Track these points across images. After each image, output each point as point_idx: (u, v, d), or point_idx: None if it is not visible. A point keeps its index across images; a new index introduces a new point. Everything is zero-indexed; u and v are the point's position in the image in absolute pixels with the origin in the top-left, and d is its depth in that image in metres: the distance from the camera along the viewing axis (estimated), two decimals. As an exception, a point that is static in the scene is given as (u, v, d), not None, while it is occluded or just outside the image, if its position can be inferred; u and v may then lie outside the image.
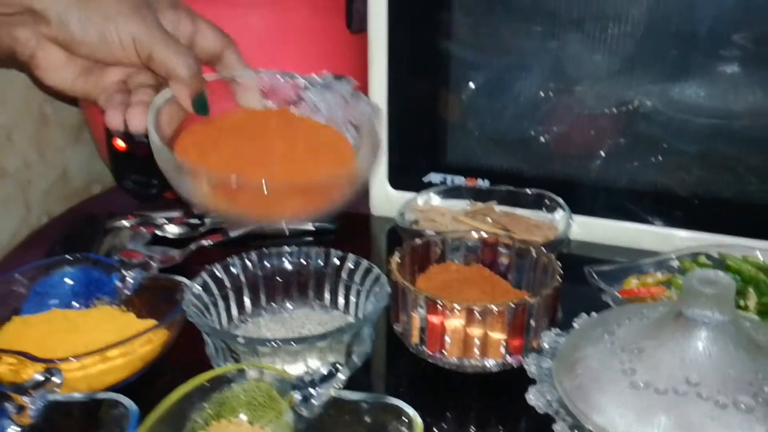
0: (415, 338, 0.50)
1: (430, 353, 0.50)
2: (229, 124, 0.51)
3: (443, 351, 0.49)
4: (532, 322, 0.49)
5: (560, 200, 0.64)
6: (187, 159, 0.46)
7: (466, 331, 0.48)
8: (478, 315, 0.48)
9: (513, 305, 0.48)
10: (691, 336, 0.42)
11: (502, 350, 0.49)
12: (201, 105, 0.51)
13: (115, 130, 0.51)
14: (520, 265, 0.55)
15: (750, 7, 0.60)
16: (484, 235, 0.56)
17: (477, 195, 0.68)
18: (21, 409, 0.42)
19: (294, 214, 0.52)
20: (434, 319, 0.49)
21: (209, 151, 0.48)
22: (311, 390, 0.42)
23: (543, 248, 0.54)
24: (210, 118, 0.52)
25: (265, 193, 0.45)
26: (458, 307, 0.48)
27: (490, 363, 0.49)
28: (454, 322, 0.48)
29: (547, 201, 0.65)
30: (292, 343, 0.46)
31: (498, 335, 0.48)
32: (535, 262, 0.54)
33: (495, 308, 0.47)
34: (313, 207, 0.49)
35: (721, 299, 0.42)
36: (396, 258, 0.53)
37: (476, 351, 0.49)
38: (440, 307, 0.48)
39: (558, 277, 0.51)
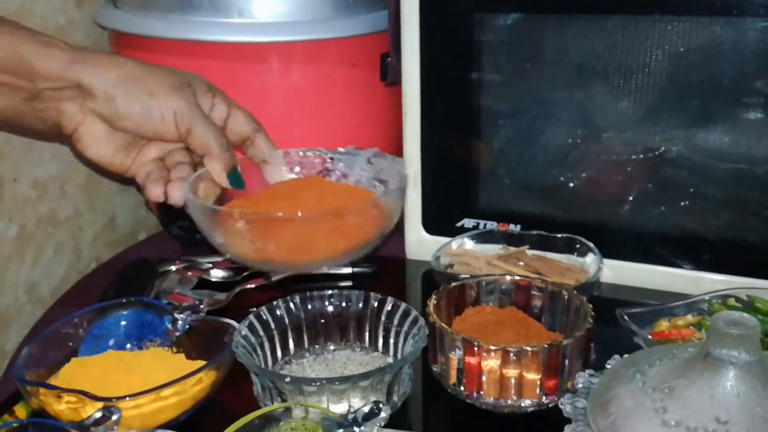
0: (452, 379, 0.52)
1: (467, 394, 0.52)
2: (264, 195, 0.57)
3: (480, 391, 0.51)
4: (566, 363, 0.51)
5: (591, 244, 0.66)
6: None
7: (502, 372, 0.50)
8: (513, 356, 0.49)
9: (547, 346, 0.50)
10: (719, 375, 0.44)
11: (538, 391, 0.51)
12: (236, 179, 0.55)
13: (153, 201, 0.54)
14: (552, 307, 0.57)
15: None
16: (518, 278, 0.59)
17: (509, 239, 0.70)
18: (82, 445, 0.45)
19: (328, 255, 0.55)
20: (471, 360, 0.51)
21: (244, 207, 0.54)
22: (356, 428, 0.44)
23: (575, 291, 0.56)
24: (246, 193, 0.56)
25: (299, 216, 0.49)
26: (494, 348, 0.50)
27: (526, 403, 0.51)
28: (491, 363, 0.50)
29: (578, 245, 0.67)
30: (337, 382, 0.48)
31: (533, 376, 0.50)
32: (568, 305, 0.56)
33: (530, 349, 0.49)
34: (346, 246, 0.53)
35: (747, 340, 0.44)
36: (433, 301, 0.55)
37: (512, 391, 0.51)
38: (477, 349, 0.50)
39: (590, 318, 0.53)
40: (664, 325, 0.60)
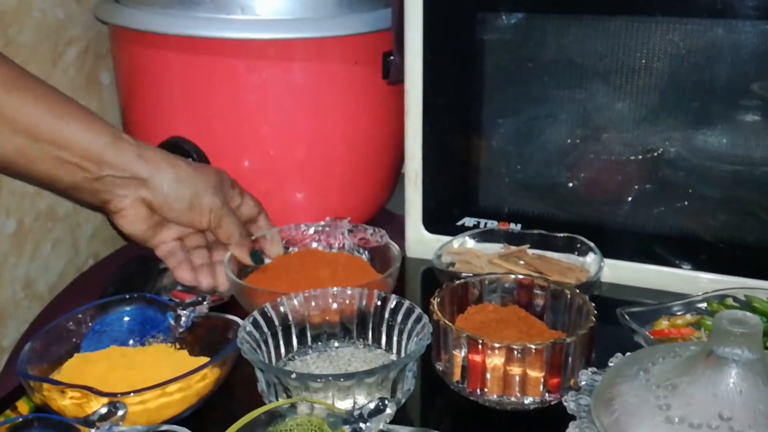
0: (456, 376, 0.53)
1: (471, 391, 0.52)
2: (277, 267, 0.68)
3: (484, 389, 0.52)
4: (570, 361, 0.51)
5: (591, 244, 0.67)
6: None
7: (505, 370, 0.51)
8: (517, 354, 0.50)
9: (551, 344, 0.50)
10: (722, 373, 0.44)
11: (541, 388, 0.51)
12: (257, 258, 0.67)
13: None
14: (555, 306, 0.58)
15: (767, 57, 0.62)
16: (520, 277, 0.59)
17: (510, 238, 0.70)
18: (87, 440, 0.45)
19: None
20: (475, 358, 0.51)
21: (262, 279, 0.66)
22: (361, 424, 0.44)
23: (577, 290, 0.57)
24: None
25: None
26: (498, 346, 0.50)
27: (529, 401, 0.52)
28: (495, 361, 0.51)
29: (578, 244, 0.68)
30: (342, 379, 0.48)
31: (536, 373, 0.51)
32: (570, 303, 0.57)
33: (534, 347, 0.50)
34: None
35: (750, 338, 0.44)
36: (436, 298, 0.55)
37: (516, 389, 0.51)
38: (481, 346, 0.50)
39: (593, 317, 0.53)
40: (663, 324, 0.60)
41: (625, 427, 0.45)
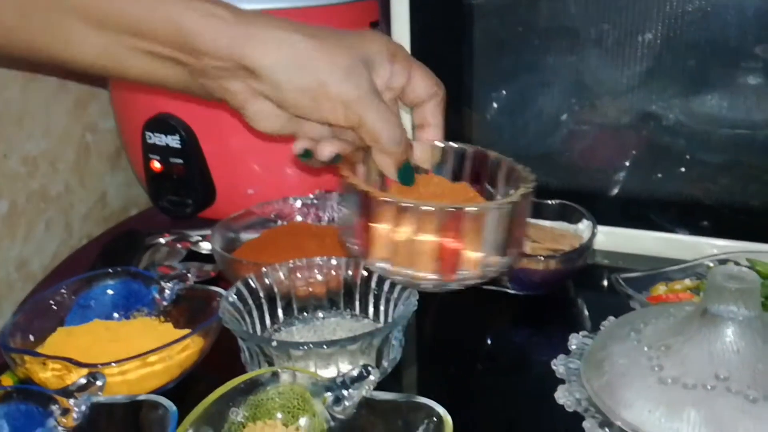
0: (355, 240, 0.47)
1: (368, 259, 0.47)
2: (259, 240, 0.66)
3: (376, 255, 0.46)
4: (485, 234, 0.45)
5: (583, 210, 0.65)
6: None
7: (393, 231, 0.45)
8: (404, 211, 0.44)
9: (452, 209, 0.44)
10: (718, 332, 0.43)
11: (433, 260, 0.45)
12: (406, 175, 0.50)
13: (298, 152, 0.51)
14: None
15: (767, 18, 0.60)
16: (469, 148, 0.53)
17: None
18: (66, 411, 0.44)
19: None
20: (368, 219, 0.46)
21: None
22: (344, 391, 0.43)
23: (518, 162, 0.51)
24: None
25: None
26: (389, 200, 0.44)
27: (421, 274, 0.46)
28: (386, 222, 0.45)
29: (570, 211, 0.66)
30: (324, 346, 0.47)
31: (430, 238, 0.45)
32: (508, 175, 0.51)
33: (425, 208, 0.44)
34: None
35: (747, 294, 0.43)
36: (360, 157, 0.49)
37: (407, 256, 0.46)
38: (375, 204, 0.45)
39: (524, 189, 0.47)
40: (661, 289, 0.58)
41: (615, 389, 0.43)
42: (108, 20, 0.46)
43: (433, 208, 0.44)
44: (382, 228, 0.45)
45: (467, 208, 0.44)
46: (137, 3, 0.46)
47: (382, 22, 0.71)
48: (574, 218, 0.66)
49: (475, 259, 0.46)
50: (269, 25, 0.47)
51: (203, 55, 0.46)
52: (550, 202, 0.66)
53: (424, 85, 0.52)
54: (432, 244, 0.45)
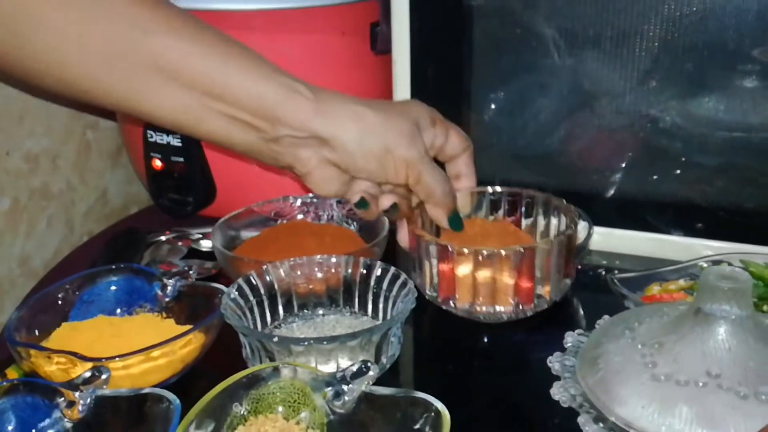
0: (428, 285, 0.54)
1: (443, 299, 0.54)
2: (260, 238, 0.67)
3: (454, 296, 0.52)
4: (542, 268, 0.51)
5: (580, 211, 0.66)
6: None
7: (474, 276, 0.51)
8: (482, 258, 0.51)
9: (520, 249, 0.50)
10: (711, 330, 0.44)
11: (511, 296, 0.52)
12: (456, 222, 0.58)
13: (356, 202, 0.58)
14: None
15: (765, 21, 0.61)
16: (509, 189, 0.61)
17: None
18: (71, 404, 0.45)
19: None
20: (445, 266, 0.52)
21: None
22: (344, 386, 0.44)
23: (564, 201, 0.58)
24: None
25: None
26: (466, 252, 0.51)
27: (500, 309, 0.53)
28: (463, 268, 0.51)
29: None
30: (324, 342, 0.48)
31: (506, 280, 0.51)
32: (555, 214, 0.58)
33: (502, 252, 0.50)
34: None
35: (739, 294, 0.44)
36: (419, 212, 0.57)
37: (484, 296, 0.52)
38: (450, 253, 0.51)
39: (573, 225, 0.54)
40: (655, 289, 0.59)
41: (610, 385, 0.44)
42: (196, 84, 0.50)
43: (510, 252, 0.50)
44: (464, 275, 0.51)
45: (538, 245, 0.51)
46: (226, 71, 0.50)
47: (382, 23, 0.72)
48: (570, 218, 0.66)
49: (547, 287, 0.53)
50: (342, 103, 0.54)
51: (282, 126, 0.52)
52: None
53: (458, 141, 0.59)
54: (509, 280, 0.51)
